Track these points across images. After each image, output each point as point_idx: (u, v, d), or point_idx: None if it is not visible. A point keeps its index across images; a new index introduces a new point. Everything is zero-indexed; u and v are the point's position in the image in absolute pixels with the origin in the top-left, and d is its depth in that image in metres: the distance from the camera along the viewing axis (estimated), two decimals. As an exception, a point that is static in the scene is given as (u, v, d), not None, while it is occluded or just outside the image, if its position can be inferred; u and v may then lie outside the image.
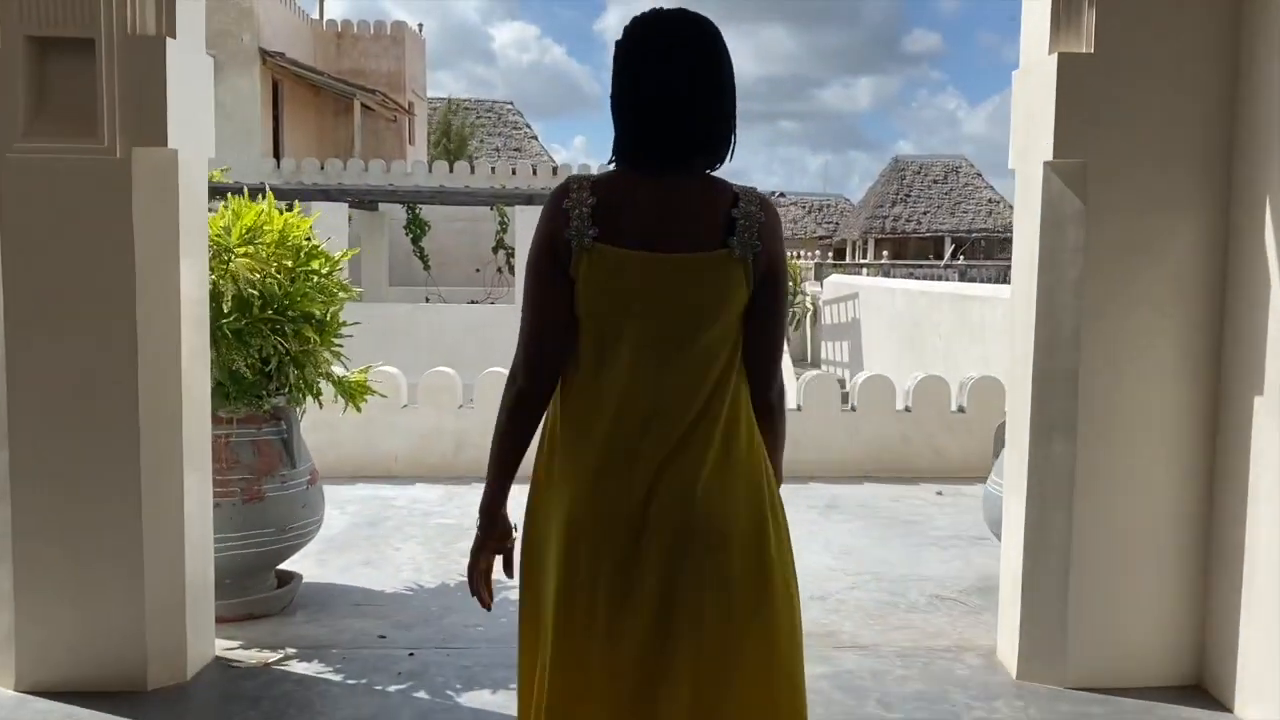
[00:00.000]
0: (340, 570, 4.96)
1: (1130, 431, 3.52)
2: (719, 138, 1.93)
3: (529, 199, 15.52)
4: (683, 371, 1.86)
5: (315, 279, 4.29)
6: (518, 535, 2.03)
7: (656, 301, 1.85)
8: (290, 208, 15.15)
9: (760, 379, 1.95)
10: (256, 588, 4.30)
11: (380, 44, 24.35)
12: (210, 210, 4.20)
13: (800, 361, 17.14)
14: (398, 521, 5.87)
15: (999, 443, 4.74)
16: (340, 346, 4.50)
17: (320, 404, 4.52)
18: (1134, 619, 3.59)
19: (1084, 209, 3.44)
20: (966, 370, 10.57)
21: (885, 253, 44.45)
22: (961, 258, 44.49)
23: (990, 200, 47.41)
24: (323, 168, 19.82)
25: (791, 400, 7.26)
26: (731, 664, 1.85)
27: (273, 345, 4.08)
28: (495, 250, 17.37)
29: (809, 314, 17.64)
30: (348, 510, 6.11)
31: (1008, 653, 3.77)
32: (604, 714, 1.87)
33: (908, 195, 47.19)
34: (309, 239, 4.41)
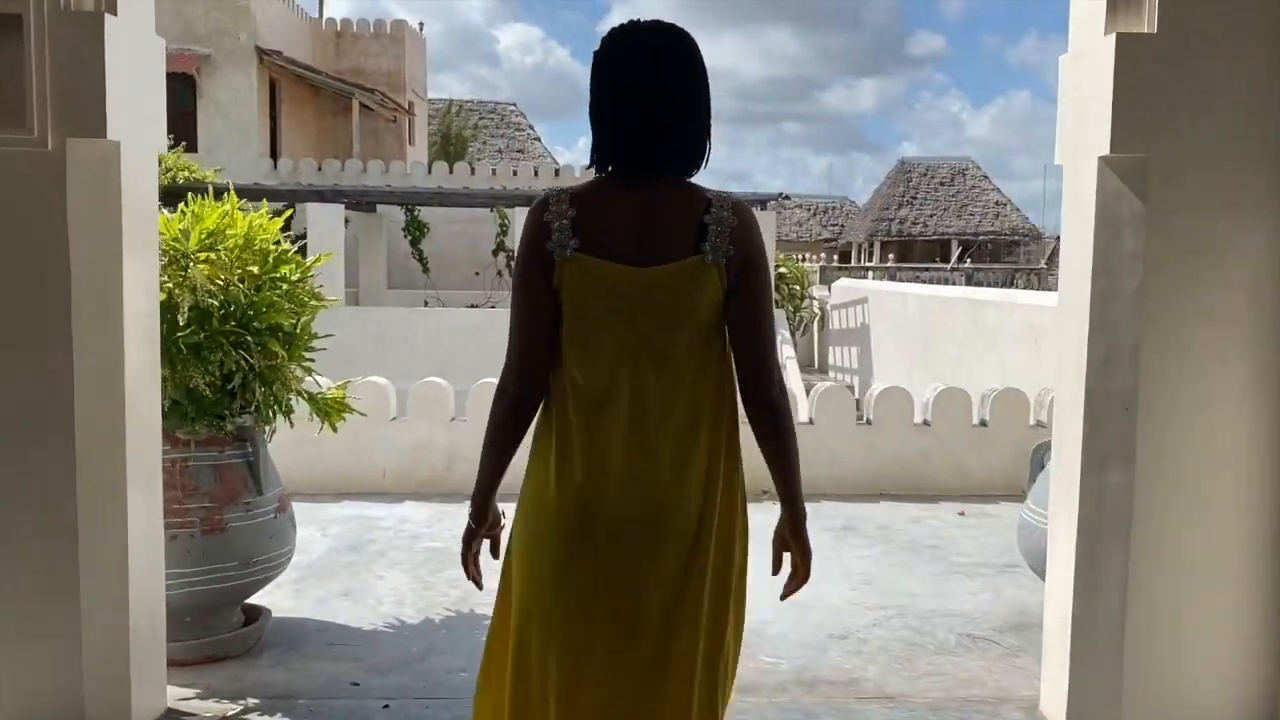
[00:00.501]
0: (316, 602, 4.56)
1: (1195, 458, 3.11)
2: (694, 146, 1.99)
3: (529, 200, 15.09)
4: (661, 375, 1.93)
5: (284, 287, 3.89)
6: (506, 522, 2.13)
7: (635, 310, 1.92)
8: (288, 209, 14.65)
9: (756, 378, 1.98)
10: (219, 626, 3.90)
11: (380, 43, 23.97)
12: (166, 210, 3.81)
13: (807, 367, 16.73)
14: (382, 545, 5.47)
15: (1036, 466, 4.33)
16: (311, 360, 4.09)
17: (292, 423, 4.13)
18: (1199, 666, 3.19)
19: (1144, 210, 3.03)
20: (981, 378, 10.17)
21: (891, 255, 44.00)
22: (968, 260, 44.07)
23: (997, 203, 46.97)
24: (320, 168, 19.44)
25: (803, 413, 6.85)
26: (660, 661, 1.96)
27: (235, 360, 3.68)
28: (495, 253, 16.99)
29: (816, 319, 17.23)
30: (330, 532, 5.71)
31: (1054, 705, 3.37)
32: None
33: (914, 197, 46.77)
34: (277, 243, 4.00)
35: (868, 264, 43.67)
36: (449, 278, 19.50)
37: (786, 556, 2.21)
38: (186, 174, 14.82)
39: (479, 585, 2.16)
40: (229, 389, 3.77)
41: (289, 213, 4.50)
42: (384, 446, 6.66)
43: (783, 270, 16.64)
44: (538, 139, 36.57)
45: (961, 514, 6.22)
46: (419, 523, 5.91)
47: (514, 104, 37.96)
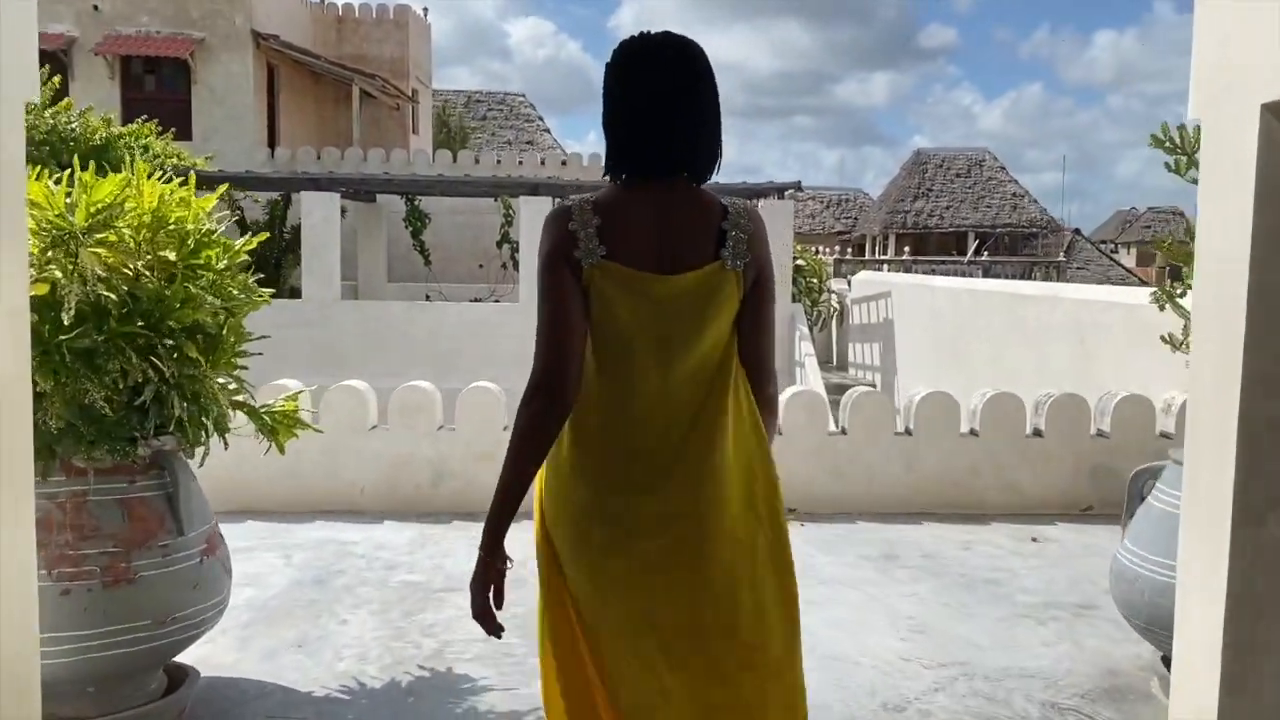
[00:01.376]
0: (262, 656, 3.82)
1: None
2: (705, 152, 2.04)
3: (534, 189, 14.36)
4: (686, 378, 1.97)
5: (207, 277, 3.14)
6: (511, 566, 2.06)
7: (662, 316, 1.96)
8: (287, 200, 13.71)
9: (760, 376, 2.06)
10: (133, 696, 3.17)
11: (383, 28, 23.21)
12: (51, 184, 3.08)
13: (825, 364, 15.95)
14: (352, 577, 4.73)
15: (1135, 496, 3.56)
16: (243, 368, 3.36)
17: (227, 443, 3.39)
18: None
19: (1323, 174, 2.27)
20: (1020, 379, 9.38)
21: (906, 248, 43.15)
22: (985, 253, 43.19)
23: (1015, 194, 46.03)
24: (319, 157, 18.70)
25: (831, 422, 6.09)
26: (721, 667, 1.96)
27: (141, 369, 2.93)
28: (500, 245, 16.23)
29: (835, 314, 16.44)
30: (294, 560, 4.98)
31: (1183, 818, 2.60)
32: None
33: (929, 189, 45.88)
34: (209, 229, 3.26)
35: (882, 257, 42.83)
36: (453, 270, 18.77)
37: None
38: (175, 161, 14.08)
39: (498, 635, 2.03)
40: (139, 405, 3.02)
41: (222, 188, 3.76)
42: (362, 460, 5.92)
43: (800, 263, 15.86)
44: (547, 130, 35.80)
45: (1034, 540, 5.44)
46: (397, 549, 5.17)
47: (523, 95, 37.15)
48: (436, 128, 29.37)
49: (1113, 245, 62.45)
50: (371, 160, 18.64)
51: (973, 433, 6.07)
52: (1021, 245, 46.34)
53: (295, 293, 14.55)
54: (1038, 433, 6.05)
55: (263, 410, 3.58)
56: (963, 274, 41.34)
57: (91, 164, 3.18)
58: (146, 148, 14.00)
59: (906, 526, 5.68)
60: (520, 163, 19.86)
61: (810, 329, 14.34)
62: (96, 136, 12.54)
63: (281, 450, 3.62)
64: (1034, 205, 46.17)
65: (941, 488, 5.98)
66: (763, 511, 2.02)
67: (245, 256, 3.39)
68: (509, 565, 2.05)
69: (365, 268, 17.16)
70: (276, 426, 3.60)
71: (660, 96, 2.01)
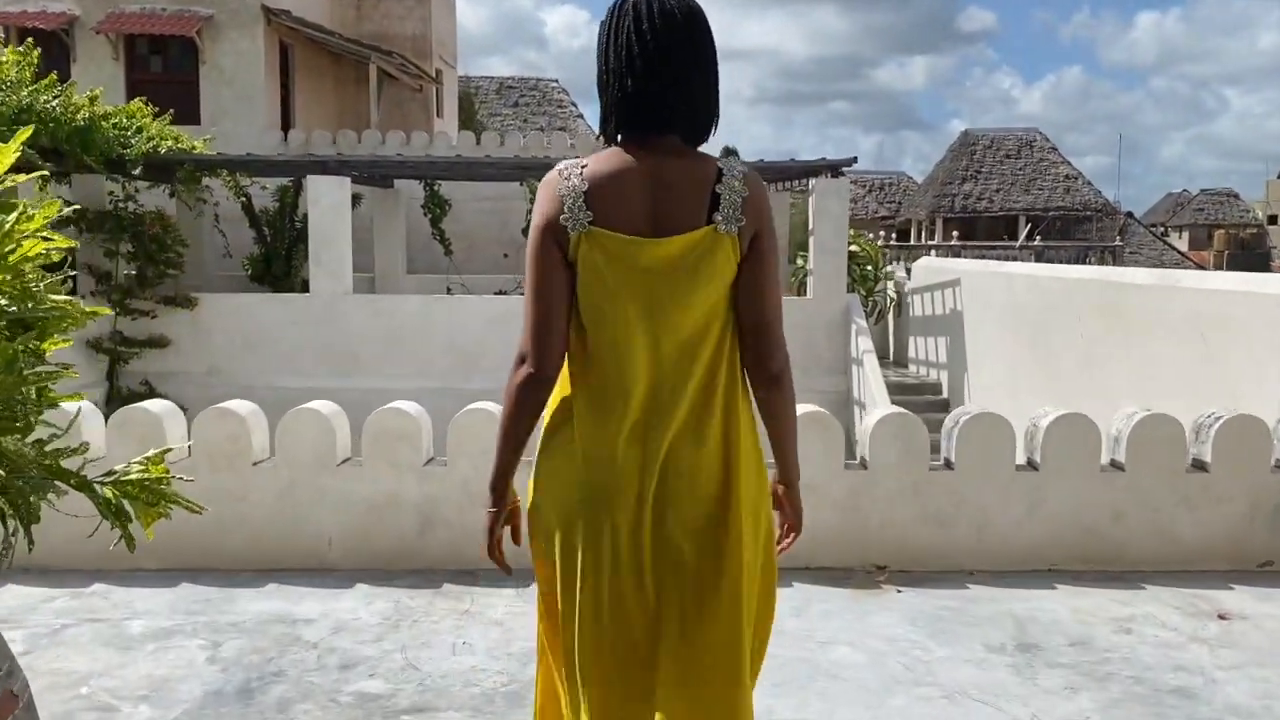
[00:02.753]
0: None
1: None
2: (702, 109, 2.00)
3: (561, 169, 13.04)
4: (678, 345, 1.95)
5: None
6: (524, 501, 2.10)
7: (651, 282, 1.93)
8: (298, 186, 12.22)
9: (758, 352, 1.99)
10: None
11: (404, 5, 21.96)
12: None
13: (881, 360, 14.55)
14: (292, 684, 3.45)
15: None
16: (52, 426, 2.09)
17: (31, 542, 2.13)
18: None
19: None
20: (1121, 381, 7.97)
21: (955, 233, 41.45)
22: (1038, 238, 41.39)
23: (1067, 176, 44.14)
24: (335, 141, 17.51)
25: (927, 450, 4.76)
26: (701, 614, 1.95)
27: None
28: (525, 232, 14.95)
29: (892, 304, 15.01)
30: (222, 651, 3.71)
31: None
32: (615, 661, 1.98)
33: (978, 171, 44.12)
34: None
35: (930, 242, 41.17)
36: (477, 260, 17.53)
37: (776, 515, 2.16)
38: (172, 143, 12.92)
39: (508, 571, 2.13)
40: None
41: (41, 174, 2.47)
42: (329, 503, 4.65)
43: (854, 249, 14.44)
44: (580, 116, 34.59)
45: (1222, 618, 4.07)
46: (366, 631, 3.89)
47: (556, 80, 36.08)
48: (463, 113, 28.17)
49: (1163, 228, 60.37)
50: (390, 144, 17.43)
51: (1114, 465, 4.70)
52: (1074, 229, 44.47)
53: (307, 286, 13.38)
54: (1199, 465, 4.67)
55: (108, 481, 2.31)
56: (1014, 259, 39.63)
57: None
58: (140, 129, 12.84)
59: (1037, 592, 4.32)
60: (547, 143, 18.55)
61: (866, 321, 12.94)
62: (79, 117, 11.39)
63: (149, 532, 2.36)
64: (1088, 187, 44.27)
65: (1076, 537, 4.62)
66: (743, 499, 1.98)
67: (58, 241, 2.09)
68: (518, 507, 2.13)
69: (382, 258, 15.96)
70: (131, 504, 2.33)
71: (658, 48, 1.94)
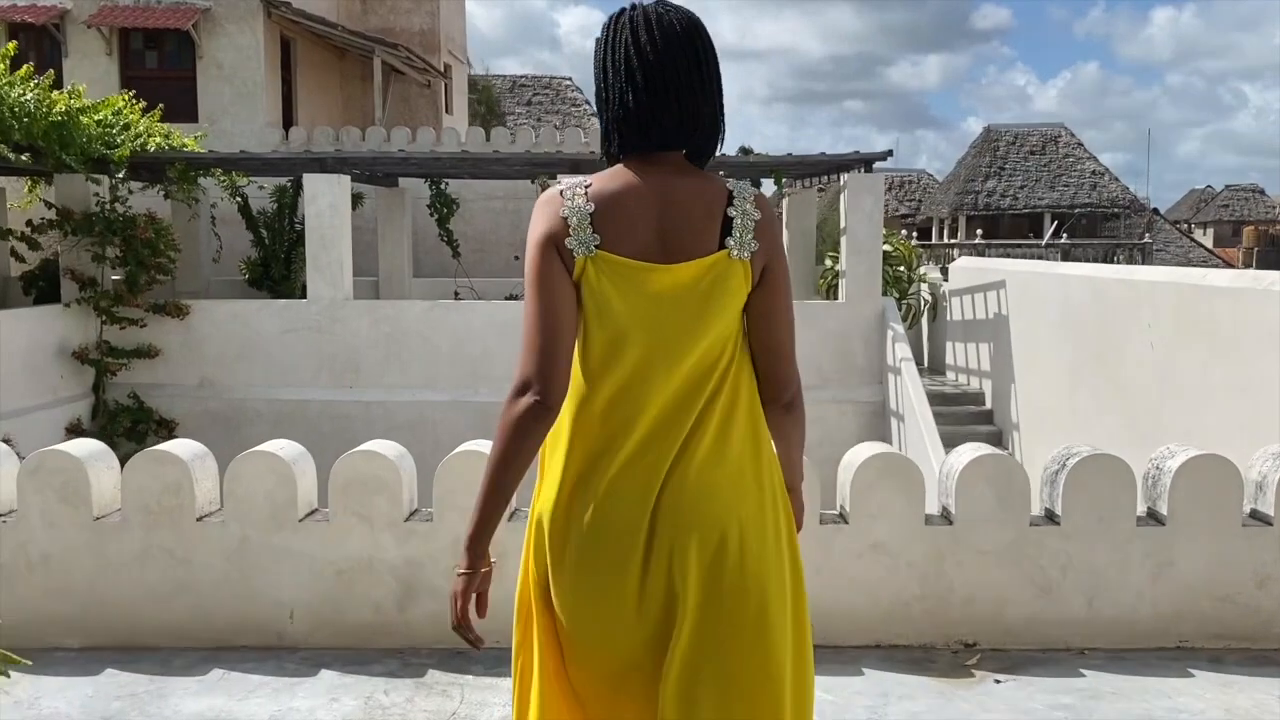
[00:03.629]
0: None
1: None
2: (707, 124, 1.92)
3: (574, 165, 12.21)
4: (688, 374, 1.85)
5: None
6: (496, 566, 1.94)
7: (663, 309, 1.84)
8: (297, 186, 11.30)
9: (773, 382, 1.93)
10: None
11: (411, -2, 21.15)
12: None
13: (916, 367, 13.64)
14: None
15: None
16: None
17: None
18: None
19: None
20: (1201, 399, 7.07)
21: (979, 231, 40.40)
22: (1064, 235, 40.33)
23: (1094, 172, 43.03)
24: (338, 138, 16.70)
25: (1035, 501, 3.88)
26: (728, 667, 1.82)
27: None
28: (537, 232, 14.08)
29: (927, 306, 14.10)
30: (137, 779, 2.87)
31: None
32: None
33: (1002, 168, 43.07)
34: None
35: (952, 240, 40.16)
36: (488, 263, 16.72)
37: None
38: (160, 140, 12.12)
39: (479, 645, 1.91)
40: None
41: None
42: (291, 567, 3.80)
43: (886, 248, 13.52)
44: (594, 115, 33.75)
45: None
46: (324, 746, 3.04)
47: (569, 79, 35.44)
48: (475, 108, 27.37)
49: (1187, 225, 59.28)
50: (395, 140, 16.61)
51: (1257, 517, 3.81)
52: (1100, 226, 43.37)
53: (307, 291, 12.58)
54: (1362, 516, 3.78)
55: None
56: (1039, 258, 38.59)
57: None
58: (128, 125, 12.06)
59: (1172, 683, 3.44)
60: (561, 140, 17.70)
61: (902, 326, 12.03)
62: (56, 112, 10.59)
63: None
64: (1115, 184, 43.14)
65: (1212, 608, 3.73)
66: (778, 533, 1.90)
67: None
68: (491, 565, 1.92)
69: (387, 261, 15.15)
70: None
71: (658, 61, 1.86)
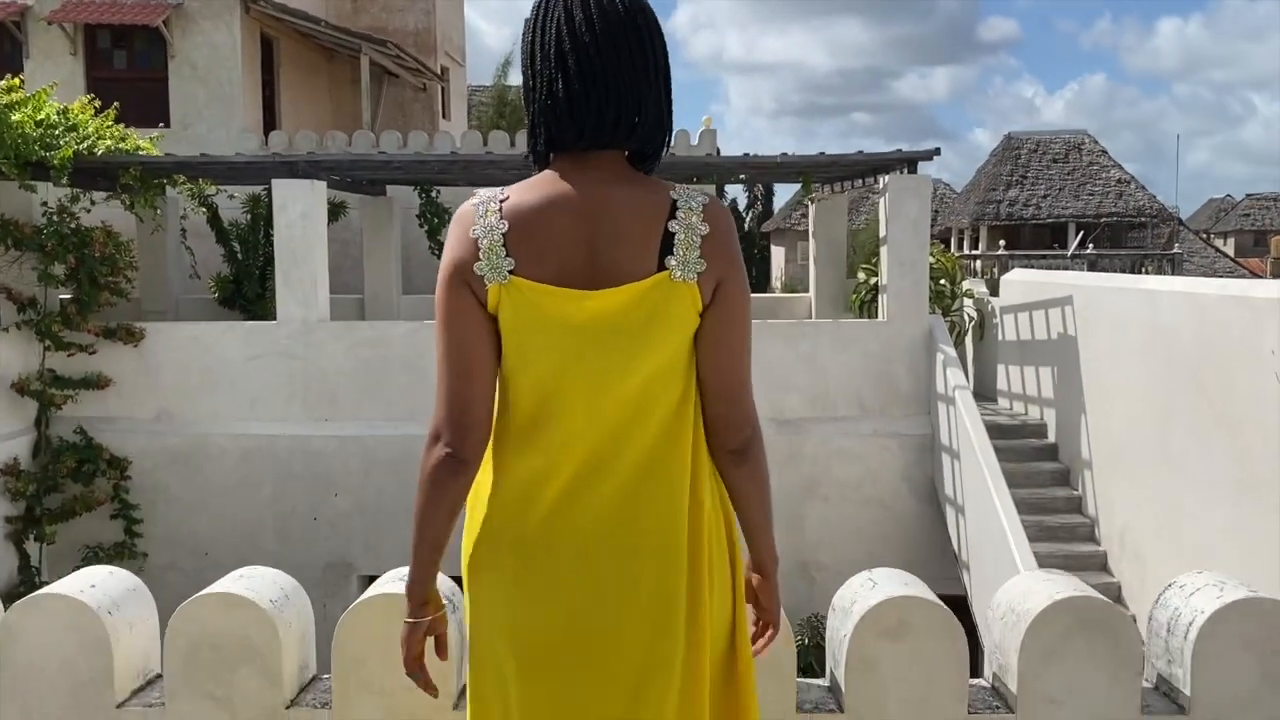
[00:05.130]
0: None
1: None
2: (651, 120, 1.69)
3: (579, 168, 10.78)
4: (622, 418, 1.63)
5: None
6: (450, 612, 1.83)
7: (590, 342, 1.63)
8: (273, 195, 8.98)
9: (723, 424, 1.68)
10: None
11: (405, -4, 19.81)
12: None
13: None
14: None
15: None
16: None
17: None
18: None
19: None
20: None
21: (1003, 241, 38.92)
22: (1091, 246, 38.83)
23: (1120, 180, 41.51)
24: (322, 143, 15.33)
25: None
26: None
27: None
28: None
29: (973, 324, 12.66)
30: None
31: None
32: None
33: (1024, 177, 41.59)
34: None
35: (974, 251, 38.71)
36: (484, 278, 15.30)
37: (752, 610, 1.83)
38: (112, 143, 10.74)
39: (434, 692, 1.77)
40: None
41: None
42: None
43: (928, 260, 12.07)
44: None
45: None
46: None
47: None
48: (486, 106, 26.09)
49: (1206, 234, 57.98)
50: (385, 145, 15.24)
51: None
52: (1125, 236, 41.87)
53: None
54: None
55: None
56: (1065, 268, 37.14)
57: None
58: (74, 126, 10.69)
59: None
60: (565, 143, 16.27)
61: (952, 348, 10.56)
62: (-20, 108, 9.24)
63: None
64: (1141, 192, 41.61)
65: None
66: (713, 594, 1.65)
67: None
68: (445, 609, 1.76)
69: (374, 277, 13.77)
70: None
71: (594, 42, 1.63)
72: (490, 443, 1.70)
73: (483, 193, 1.69)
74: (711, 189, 17.25)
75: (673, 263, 1.63)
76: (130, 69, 15.82)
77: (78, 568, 8.55)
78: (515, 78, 30.46)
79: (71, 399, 10.45)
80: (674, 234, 1.63)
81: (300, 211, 10.53)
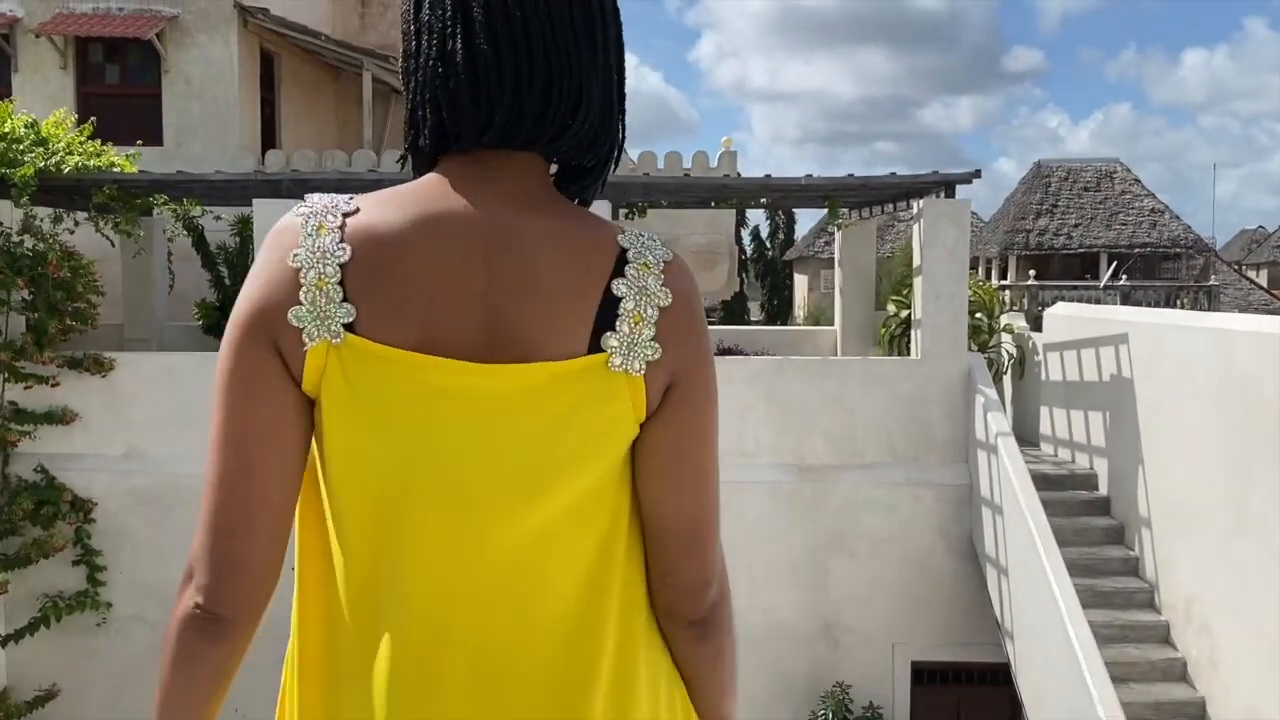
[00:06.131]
0: None
1: None
2: (595, 114, 1.13)
3: (584, 189, 9.93)
4: (519, 571, 1.05)
5: None
6: None
7: (468, 449, 1.05)
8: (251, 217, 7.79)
9: (679, 585, 1.13)
10: None
11: (415, 12, 19.09)
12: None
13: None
14: None
15: None
16: None
17: None
18: None
19: None
20: None
21: (1033, 271, 37.91)
22: (1124, 277, 37.75)
23: (1153, 210, 40.45)
24: (320, 162, 14.59)
25: None
26: None
27: None
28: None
29: (1012, 362, 11.70)
30: None
31: None
32: None
33: (1054, 205, 40.62)
34: None
35: (1004, 282, 37.71)
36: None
37: None
38: (83, 159, 9.98)
39: None
40: None
41: None
42: None
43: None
44: (625, 151, 32.18)
45: None
46: None
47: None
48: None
49: (1239, 266, 56.93)
50: (386, 163, 14.50)
51: None
52: (1158, 267, 40.77)
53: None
54: None
55: None
56: (1097, 300, 36.08)
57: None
58: (43, 140, 9.94)
59: None
60: (576, 165, 15.46)
61: (994, 390, 9.61)
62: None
63: None
64: (1176, 222, 40.52)
65: None
66: None
67: None
68: None
69: (369, 305, 12.91)
70: None
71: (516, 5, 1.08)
72: (295, 605, 1.10)
73: (315, 199, 1.10)
74: (730, 215, 16.41)
75: (614, 343, 1.08)
76: (123, 84, 15.17)
77: (35, 619, 7.61)
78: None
79: (31, 435, 9.65)
80: (619, 299, 1.09)
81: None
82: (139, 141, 11.77)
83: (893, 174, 9.63)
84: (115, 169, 10.18)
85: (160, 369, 9.97)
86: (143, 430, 9.88)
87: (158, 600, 9.79)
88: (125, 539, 9.82)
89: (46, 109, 11.32)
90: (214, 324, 12.51)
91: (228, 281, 12.48)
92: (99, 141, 10.64)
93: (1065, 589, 7.44)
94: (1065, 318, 10.53)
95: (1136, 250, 39.18)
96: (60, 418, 9.69)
